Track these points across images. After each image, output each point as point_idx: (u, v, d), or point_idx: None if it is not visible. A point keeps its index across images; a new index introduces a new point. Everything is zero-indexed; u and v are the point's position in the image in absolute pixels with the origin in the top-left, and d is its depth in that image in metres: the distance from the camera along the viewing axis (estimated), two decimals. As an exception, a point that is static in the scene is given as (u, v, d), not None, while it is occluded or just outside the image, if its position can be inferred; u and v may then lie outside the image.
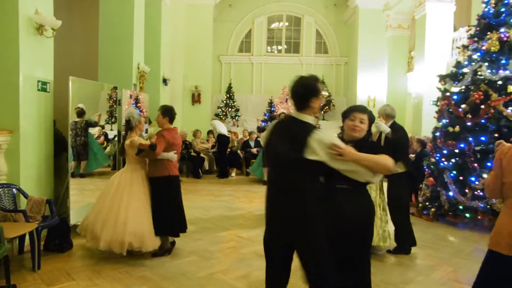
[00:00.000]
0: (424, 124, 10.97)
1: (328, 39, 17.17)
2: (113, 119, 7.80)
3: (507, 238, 2.30)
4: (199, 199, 8.02)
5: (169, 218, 4.59)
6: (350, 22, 16.36)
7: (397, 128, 4.77)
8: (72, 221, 5.13)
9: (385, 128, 4.58)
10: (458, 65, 7.02)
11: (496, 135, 5.94)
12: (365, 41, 14.83)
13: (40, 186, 4.98)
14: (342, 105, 16.67)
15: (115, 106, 7.38)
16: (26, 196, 4.55)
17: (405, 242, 4.92)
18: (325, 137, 2.44)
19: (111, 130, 7.98)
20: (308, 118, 2.59)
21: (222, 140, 11.23)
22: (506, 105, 6.01)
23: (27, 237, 4.34)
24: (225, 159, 11.20)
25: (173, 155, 4.62)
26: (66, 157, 5.37)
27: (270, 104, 15.79)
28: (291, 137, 2.51)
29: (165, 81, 10.58)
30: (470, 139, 6.19)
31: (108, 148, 8.05)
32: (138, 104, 8.37)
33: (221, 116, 15.75)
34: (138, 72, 8.40)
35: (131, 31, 8.02)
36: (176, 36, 12.60)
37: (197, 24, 14.15)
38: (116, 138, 7.45)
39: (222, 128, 11.39)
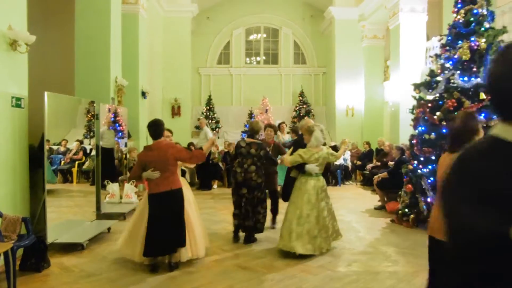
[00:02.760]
0: (401, 132, 11.15)
1: (305, 49, 17.40)
2: (91, 134, 7.70)
3: (437, 224, 2.71)
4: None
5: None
6: (327, 33, 16.62)
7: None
8: (49, 239, 5.02)
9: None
10: (432, 73, 7.18)
11: (470, 141, 6.09)
12: (342, 51, 15.08)
13: (15, 204, 4.86)
14: (322, 114, 16.87)
15: (93, 120, 7.29)
16: (0, 214, 4.43)
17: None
18: None
19: (89, 144, 7.89)
20: None
21: None
22: (479, 112, 6.18)
23: (1, 257, 4.21)
24: (207, 171, 11.14)
25: (150, 173, 4.45)
26: (42, 173, 5.26)
27: (250, 115, 15.85)
28: None
29: (143, 94, 10.52)
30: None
31: (87, 163, 7.94)
32: (117, 118, 8.30)
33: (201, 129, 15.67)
34: (116, 86, 8.34)
35: (108, 45, 7.97)
36: (154, 49, 12.58)
37: (175, 36, 14.17)
38: (94, 153, 7.34)
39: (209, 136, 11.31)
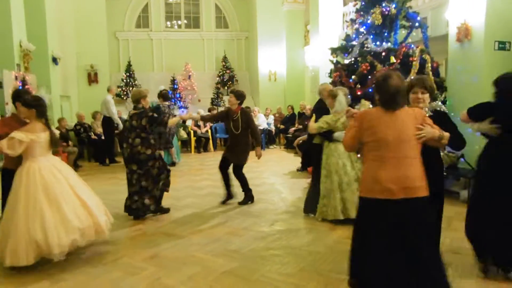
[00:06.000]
0: (321, 95, 11.55)
1: (227, 13, 17.11)
2: (-4, 104, 7.06)
3: (372, 183, 2.71)
4: (101, 183, 7.70)
5: None
6: (248, -4, 16.45)
7: None
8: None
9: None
10: (347, 38, 7.47)
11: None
12: (263, 16, 15.07)
13: None
14: (245, 79, 16.90)
15: (-4, 89, 6.67)
16: None
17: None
18: None
19: (-5, 116, 7.23)
20: None
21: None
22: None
23: None
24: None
25: None
26: None
27: (173, 81, 15.44)
28: None
29: (55, 60, 9.78)
30: (360, 107, 6.69)
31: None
32: (26, 86, 7.66)
33: (122, 96, 15.02)
34: (21, 51, 7.65)
35: (7, 5, 7.22)
36: (64, 12, 11.63)
37: (87, -3, 13.16)
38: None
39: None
